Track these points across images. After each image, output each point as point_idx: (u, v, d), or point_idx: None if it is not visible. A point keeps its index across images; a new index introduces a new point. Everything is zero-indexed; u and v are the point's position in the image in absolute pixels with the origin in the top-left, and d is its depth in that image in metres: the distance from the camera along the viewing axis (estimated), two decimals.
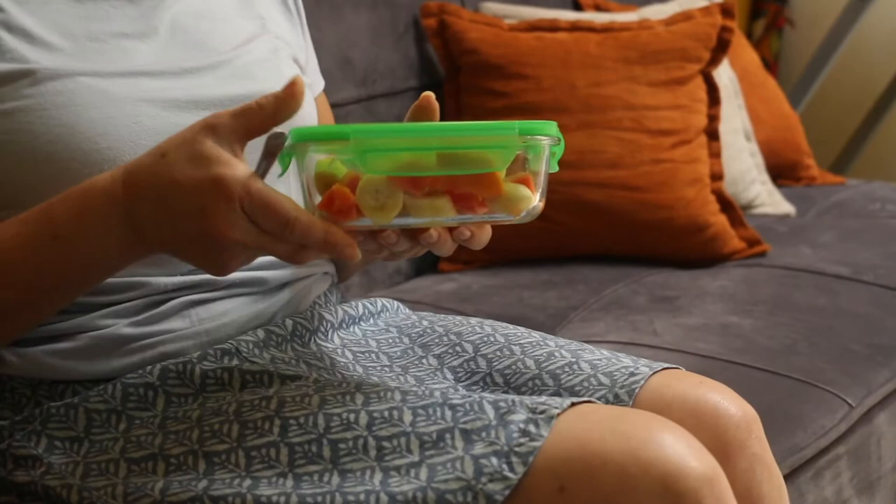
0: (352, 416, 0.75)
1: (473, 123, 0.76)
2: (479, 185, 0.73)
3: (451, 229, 0.75)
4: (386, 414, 0.74)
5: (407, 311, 0.98)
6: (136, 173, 0.74)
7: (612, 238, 1.69)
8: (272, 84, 0.86)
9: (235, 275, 0.85)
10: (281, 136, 0.71)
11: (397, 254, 0.77)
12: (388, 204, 0.72)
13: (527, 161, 0.75)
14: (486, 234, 0.77)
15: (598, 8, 2.03)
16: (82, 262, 0.76)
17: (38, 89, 0.79)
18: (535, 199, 0.76)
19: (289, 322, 0.87)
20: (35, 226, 0.76)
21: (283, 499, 0.73)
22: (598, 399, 0.84)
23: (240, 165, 0.71)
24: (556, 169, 0.79)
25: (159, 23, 0.87)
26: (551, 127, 0.76)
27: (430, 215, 0.73)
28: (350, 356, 0.88)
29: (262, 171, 0.72)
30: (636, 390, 0.84)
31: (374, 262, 1.10)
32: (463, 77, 1.75)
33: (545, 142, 0.75)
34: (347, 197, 0.72)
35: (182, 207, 0.72)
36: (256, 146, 0.74)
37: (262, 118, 0.72)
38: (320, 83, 1.02)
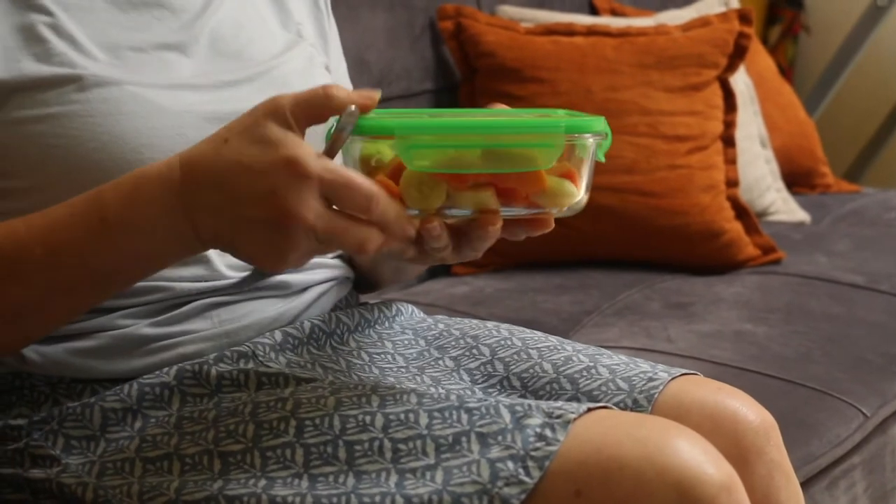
0: (367, 418, 0.74)
1: (519, 121, 0.75)
2: (522, 180, 0.73)
3: (502, 226, 0.75)
4: (402, 416, 0.74)
5: (422, 314, 0.98)
6: (196, 159, 0.71)
7: (626, 243, 1.69)
8: None
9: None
10: (355, 113, 0.70)
11: (438, 252, 0.76)
12: (431, 196, 0.73)
13: (573, 154, 0.75)
14: (545, 227, 0.77)
15: (614, 12, 2.02)
16: (129, 251, 0.74)
17: (85, 95, 0.79)
18: (578, 194, 0.75)
19: (307, 324, 0.87)
20: (84, 209, 0.74)
21: (298, 499, 0.72)
22: (617, 404, 0.84)
23: (309, 146, 0.70)
24: (602, 160, 0.78)
25: (200, 34, 0.87)
26: (599, 123, 0.75)
27: (473, 207, 0.73)
28: (366, 358, 0.88)
29: (328, 151, 0.70)
30: (655, 395, 0.84)
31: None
32: (479, 80, 1.74)
33: (591, 139, 0.75)
34: (392, 188, 0.73)
35: (249, 191, 0.69)
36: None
37: (328, 109, 0.71)
38: (348, 87, 1.02)
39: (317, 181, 0.68)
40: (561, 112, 0.82)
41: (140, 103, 0.80)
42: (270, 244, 0.70)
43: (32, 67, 0.79)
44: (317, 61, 0.94)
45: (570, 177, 0.75)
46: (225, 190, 0.70)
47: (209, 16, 0.88)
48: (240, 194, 0.69)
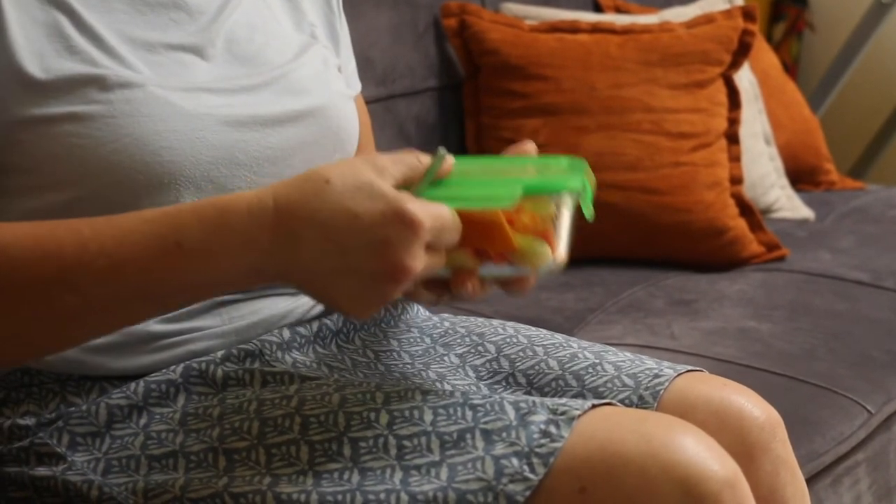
0: (372, 415, 0.74)
1: (471, 194, 0.74)
2: (490, 240, 0.73)
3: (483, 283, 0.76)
4: (406, 413, 0.74)
5: (427, 312, 0.98)
6: (296, 198, 0.70)
7: (630, 240, 1.69)
8: (325, 98, 0.89)
9: None
10: (444, 154, 0.73)
11: (428, 300, 0.79)
12: None
13: (545, 213, 0.75)
14: (521, 287, 0.76)
15: (618, 10, 2.02)
16: (198, 279, 0.72)
17: (108, 96, 0.78)
18: (550, 255, 0.74)
19: (314, 323, 0.87)
20: (160, 228, 0.72)
21: (303, 496, 0.73)
22: (622, 400, 0.84)
23: (409, 196, 0.70)
24: (589, 216, 0.77)
25: (216, 37, 0.86)
26: (567, 180, 0.75)
27: (449, 266, 0.74)
28: (371, 356, 0.88)
29: (422, 191, 0.72)
30: (660, 392, 0.84)
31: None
32: (483, 77, 1.74)
33: (564, 198, 0.74)
34: None
35: (359, 240, 0.68)
36: None
37: (417, 174, 0.73)
38: (357, 86, 1.02)
39: (428, 231, 0.69)
40: (563, 162, 0.81)
41: (161, 105, 0.79)
42: (369, 293, 0.70)
43: (59, 66, 0.78)
44: (331, 63, 0.94)
45: (545, 236, 0.74)
46: (332, 237, 0.69)
47: (225, 18, 0.87)
48: (349, 243, 0.68)
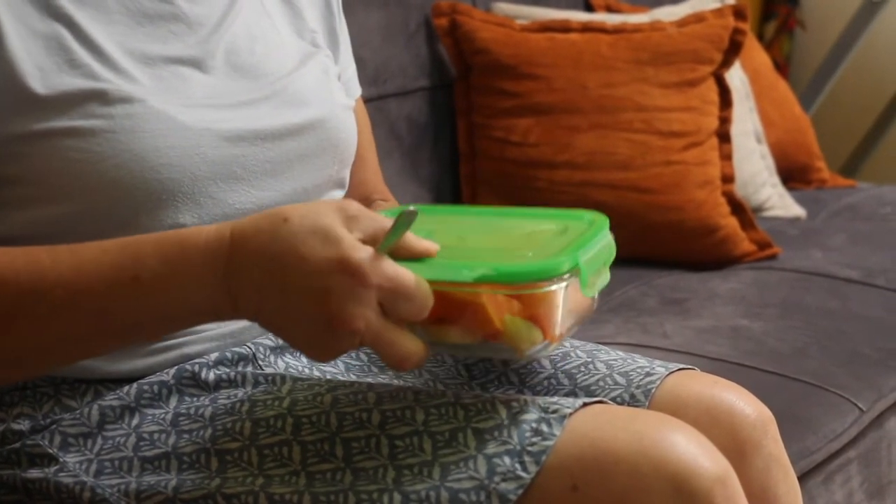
0: (364, 415, 0.74)
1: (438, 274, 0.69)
2: (472, 320, 0.70)
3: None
4: (398, 413, 0.74)
5: None
6: (250, 233, 0.69)
7: (621, 240, 1.66)
8: (325, 109, 0.88)
9: None
10: (414, 214, 0.68)
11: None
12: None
13: (536, 298, 0.70)
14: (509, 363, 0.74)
15: (609, 9, 2.02)
16: (156, 312, 0.72)
17: (109, 110, 0.78)
18: (540, 339, 0.70)
19: None
20: (118, 259, 0.71)
21: (295, 497, 0.73)
22: (614, 399, 0.84)
23: (368, 249, 0.67)
24: (589, 294, 0.73)
25: (216, 48, 0.85)
26: (559, 265, 0.69)
27: (438, 339, 0.72)
28: (364, 358, 0.88)
29: (384, 248, 0.68)
30: (652, 390, 0.84)
31: None
32: (474, 77, 1.75)
33: (553, 286, 0.69)
34: None
35: (301, 284, 0.67)
36: None
37: (386, 238, 0.69)
38: (357, 90, 1.02)
39: (375, 289, 0.67)
40: (586, 217, 0.79)
41: (162, 121, 0.79)
42: (314, 338, 0.69)
43: (60, 81, 0.78)
44: (332, 73, 0.94)
45: (535, 318, 0.70)
46: (276, 275, 0.68)
47: (225, 29, 0.87)
48: (291, 285, 0.68)
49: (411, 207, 0.68)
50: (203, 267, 0.70)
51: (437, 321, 0.71)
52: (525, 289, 0.69)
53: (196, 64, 0.84)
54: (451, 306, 0.70)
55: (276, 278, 0.68)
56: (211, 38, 0.86)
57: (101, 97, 0.78)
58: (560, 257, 0.71)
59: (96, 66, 0.79)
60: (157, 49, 0.82)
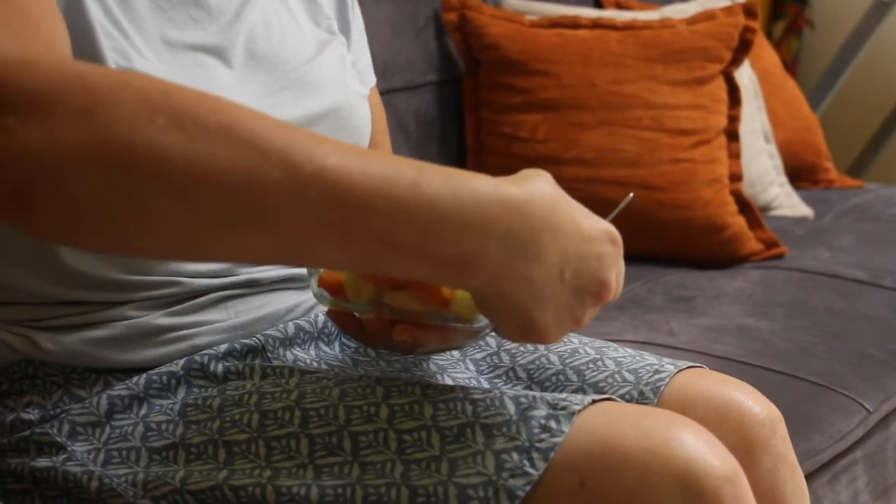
0: (372, 409, 0.74)
1: None
2: (426, 290, 0.73)
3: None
4: (406, 407, 0.74)
5: None
6: (530, 190, 0.65)
7: (628, 237, 1.67)
8: (341, 97, 0.88)
9: (277, 272, 0.85)
10: (632, 197, 0.75)
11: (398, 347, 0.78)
12: (361, 292, 0.76)
13: None
14: (428, 338, 0.74)
15: (619, 6, 2.02)
16: (413, 237, 0.62)
17: None
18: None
19: (320, 317, 0.87)
20: (403, 163, 0.62)
21: (303, 490, 0.73)
22: (623, 396, 0.84)
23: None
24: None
25: (237, 37, 0.85)
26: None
27: (396, 305, 0.74)
28: (373, 353, 0.88)
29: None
30: (661, 388, 0.84)
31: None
32: (483, 72, 1.74)
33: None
34: (337, 280, 0.77)
35: (579, 248, 0.66)
36: None
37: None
38: (372, 79, 1.02)
39: (622, 262, 0.69)
40: None
41: None
42: (566, 311, 0.67)
43: (93, 52, 0.76)
44: (347, 60, 0.94)
45: None
46: (559, 238, 0.65)
47: (244, 18, 0.87)
48: (569, 250, 0.66)
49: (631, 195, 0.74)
50: (487, 208, 0.63)
51: (398, 287, 0.74)
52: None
53: (217, 53, 0.84)
54: None
55: (559, 242, 0.66)
56: (231, 26, 0.86)
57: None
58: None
59: (127, 48, 0.78)
60: (178, 35, 0.82)
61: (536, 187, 0.66)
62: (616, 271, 0.69)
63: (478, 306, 0.68)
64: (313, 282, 0.78)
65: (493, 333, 0.78)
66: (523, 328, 0.68)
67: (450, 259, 0.63)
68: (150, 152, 0.58)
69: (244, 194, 0.60)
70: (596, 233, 0.68)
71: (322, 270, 0.78)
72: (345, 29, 0.98)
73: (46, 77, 0.59)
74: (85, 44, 0.76)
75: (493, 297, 0.66)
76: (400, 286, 0.74)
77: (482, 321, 0.74)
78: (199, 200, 0.59)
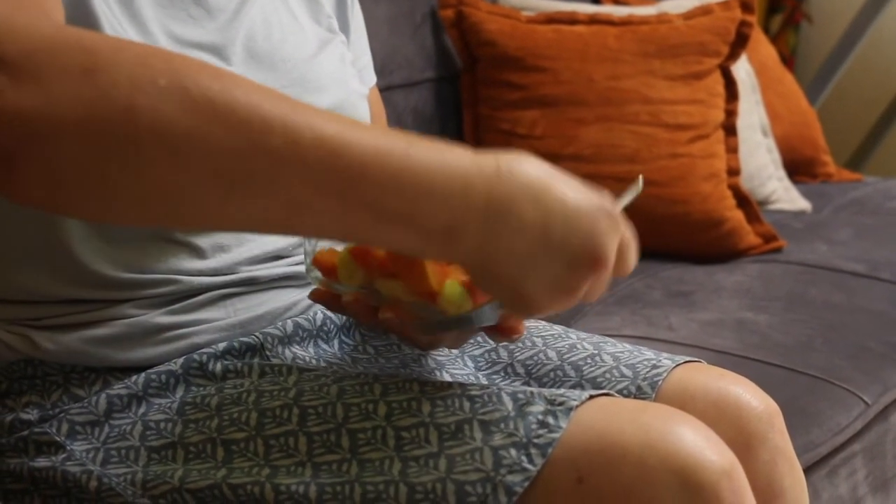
0: (370, 406, 0.75)
1: None
2: (412, 278, 0.73)
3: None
4: (404, 404, 0.74)
5: None
6: (517, 162, 0.65)
7: None
8: (341, 96, 0.89)
9: (276, 270, 0.85)
10: (639, 186, 0.75)
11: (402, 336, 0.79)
12: (352, 275, 0.77)
13: None
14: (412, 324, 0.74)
15: (616, 1, 2.02)
16: (404, 204, 0.62)
17: None
18: (468, 306, 0.72)
19: (319, 315, 0.87)
20: (393, 133, 0.63)
21: (301, 488, 0.73)
22: (621, 391, 0.84)
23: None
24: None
25: (236, 35, 0.85)
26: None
27: (384, 292, 0.76)
28: (372, 351, 0.88)
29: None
30: (659, 382, 0.84)
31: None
32: (480, 69, 1.74)
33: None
34: (331, 261, 0.78)
35: (567, 222, 0.64)
36: None
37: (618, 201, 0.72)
38: (372, 78, 1.02)
39: (620, 238, 0.67)
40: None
41: None
42: (559, 283, 0.66)
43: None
44: (347, 59, 0.94)
45: (471, 287, 0.73)
46: (540, 207, 0.64)
47: (244, 16, 0.86)
48: (555, 220, 0.65)
49: (640, 182, 0.74)
50: (467, 175, 0.63)
51: (388, 275, 0.75)
52: None
53: (217, 51, 0.84)
54: (401, 263, 0.74)
55: (540, 211, 0.65)
56: (230, 25, 0.86)
57: None
58: None
59: (133, 36, 0.78)
60: (177, 32, 0.82)
61: (518, 159, 0.65)
62: (616, 244, 0.66)
63: (473, 280, 0.69)
64: (308, 261, 0.79)
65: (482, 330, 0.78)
66: (514, 300, 0.67)
67: (436, 229, 0.64)
68: (151, 115, 0.57)
69: (244, 160, 0.59)
70: (585, 203, 0.66)
71: (318, 250, 0.78)
72: (344, 27, 0.98)
73: (43, 38, 0.58)
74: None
75: (480, 269, 0.66)
76: (391, 274, 0.75)
77: (466, 319, 0.74)
78: (198, 166, 0.58)
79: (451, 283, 0.74)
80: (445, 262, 0.73)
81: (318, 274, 0.79)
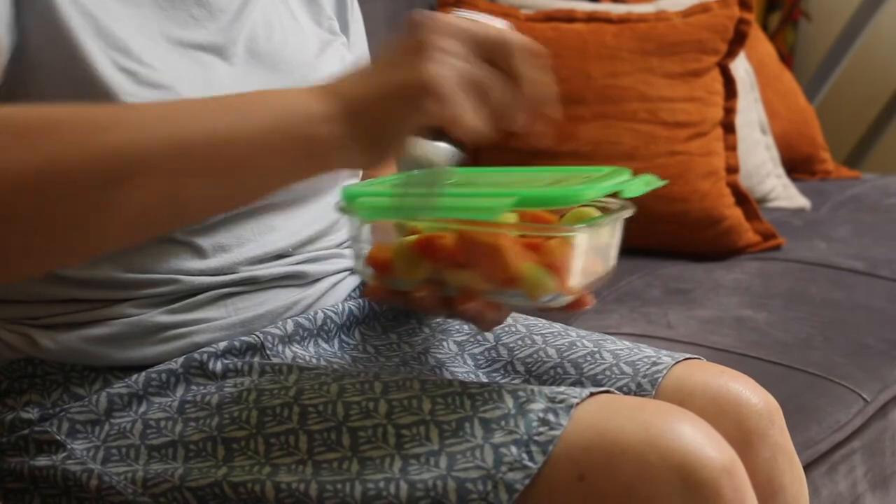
0: (371, 405, 0.75)
1: (462, 204, 0.72)
2: (490, 264, 0.73)
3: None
4: (405, 402, 0.74)
5: None
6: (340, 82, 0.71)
7: (626, 229, 1.68)
8: None
9: (277, 270, 0.85)
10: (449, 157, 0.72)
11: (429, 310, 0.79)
12: (415, 269, 0.76)
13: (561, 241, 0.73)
14: (496, 314, 0.75)
15: None
16: (263, 119, 0.70)
17: (135, 90, 0.77)
18: (553, 288, 0.72)
19: (320, 314, 0.87)
20: (221, 99, 0.72)
21: (302, 486, 0.73)
22: (621, 388, 0.84)
23: None
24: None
25: (238, 36, 0.85)
26: (580, 192, 0.71)
27: (455, 284, 0.74)
28: (372, 350, 0.88)
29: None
30: (659, 380, 0.84)
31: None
32: None
33: (574, 234, 0.71)
34: (385, 258, 0.77)
35: (388, 49, 0.70)
36: None
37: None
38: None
39: (444, 23, 0.69)
40: (603, 171, 0.79)
41: None
42: (407, 54, 0.68)
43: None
44: (347, 62, 0.94)
45: (553, 266, 0.73)
46: (366, 67, 0.70)
47: (246, 17, 0.87)
48: (380, 63, 0.69)
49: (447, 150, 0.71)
50: (309, 102, 0.70)
51: (458, 265, 0.74)
52: (547, 231, 0.73)
53: (217, 51, 0.84)
54: (471, 251, 0.73)
55: (366, 68, 0.70)
56: (232, 26, 0.86)
57: (134, 76, 0.77)
58: (588, 186, 0.73)
59: (131, 42, 0.78)
60: (178, 33, 0.82)
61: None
62: (432, 36, 0.68)
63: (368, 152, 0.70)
64: (358, 262, 0.78)
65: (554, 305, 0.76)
66: (383, 126, 0.69)
67: (290, 119, 0.69)
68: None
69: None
70: (391, 50, 0.69)
71: (371, 248, 0.77)
72: (344, 29, 0.98)
73: None
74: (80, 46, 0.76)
75: (351, 128, 0.69)
76: (460, 264, 0.73)
77: (549, 296, 0.73)
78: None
79: (529, 265, 0.73)
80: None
81: (372, 272, 0.77)
